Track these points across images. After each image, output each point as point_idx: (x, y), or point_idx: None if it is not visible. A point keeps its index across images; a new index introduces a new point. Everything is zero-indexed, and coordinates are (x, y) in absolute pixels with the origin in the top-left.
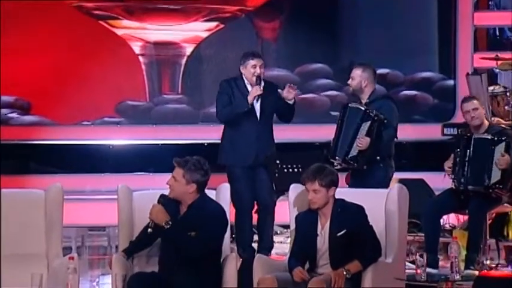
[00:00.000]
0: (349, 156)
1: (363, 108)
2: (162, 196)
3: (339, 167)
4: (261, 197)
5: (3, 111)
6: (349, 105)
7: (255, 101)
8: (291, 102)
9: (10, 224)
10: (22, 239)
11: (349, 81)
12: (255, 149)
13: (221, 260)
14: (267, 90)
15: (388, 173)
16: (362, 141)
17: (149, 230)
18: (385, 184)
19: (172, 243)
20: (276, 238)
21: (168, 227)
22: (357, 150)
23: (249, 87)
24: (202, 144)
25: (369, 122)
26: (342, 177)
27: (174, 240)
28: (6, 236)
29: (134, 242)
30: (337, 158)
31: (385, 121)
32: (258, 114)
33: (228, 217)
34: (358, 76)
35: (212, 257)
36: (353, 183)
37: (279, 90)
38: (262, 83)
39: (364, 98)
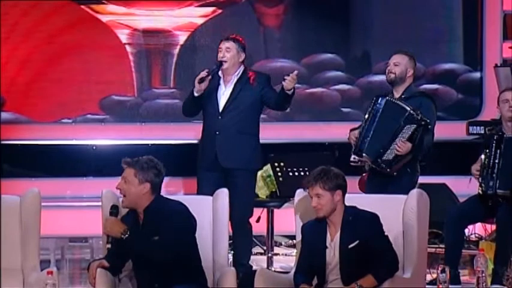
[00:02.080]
0: (383, 158)
1: (408, 109)
2: (114, 207)
3: (358, 164)
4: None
5: None
6: (387, 98)
7: (220, 92)
8: (289, 92)
9: None
10: None
11: (391, 67)
12: (213, 148)
13: (203, 266)
14: (246, 80)
15: (415, 178)
16: (402, 147)
17: (108, 246)
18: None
19: (138, 253)
20: (280, 250)
21: (127, 236)
22: (393, 155)
23: (222, 80)
24: (197, 144)
25: (414, 126)
26: (354, 181)
27: (138, 249)
28: None
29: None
30: (364, 155)
31: (429, 126)
32: (220, 107)
33: (227, 224)
34: (404, 63)
35: (188, 263)
36: (372, 188)
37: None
38: (214, 68)
39: (399, 92)
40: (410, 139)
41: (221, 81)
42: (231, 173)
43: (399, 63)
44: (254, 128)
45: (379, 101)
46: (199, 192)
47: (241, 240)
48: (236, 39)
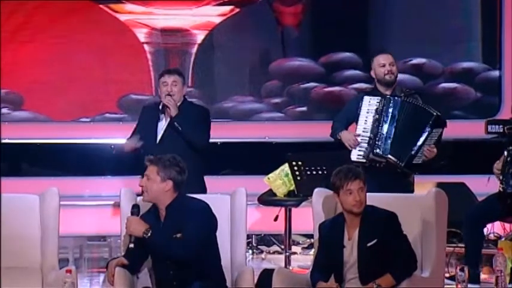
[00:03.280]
0: (414, 162)
1: (434, 113)
2: (135, 206)
3: (366, 164)
4: None
5: None
6: (403, 99)
7: (160, 125)
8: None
9: None
10: (13, 250)
11: (390, 68)
12: None
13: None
14: (185, 111)
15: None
16: (431, 153)
17: (131, 245)
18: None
19: (160, 252)
20: (297, 249)
21: (149, 235)
22: (422, 159)
23: (162, 116)
24: (215, 143)
25: (440, 130)
26: None
27: (160, 248)
28: None
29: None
30: (391, 157)
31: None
32: (157, 138)
33: (245, 223)
34: (395, 64)
35: (208, 261)
36: (372, 185)
37: None
38: (171, 104)
39: (389, 91)
40: (436, 142)
41: (163, 119)
42: None
43: (394, 64)
44: (196, 158)
45: (391, 102)
46: None
47: None
48: (180, 72)
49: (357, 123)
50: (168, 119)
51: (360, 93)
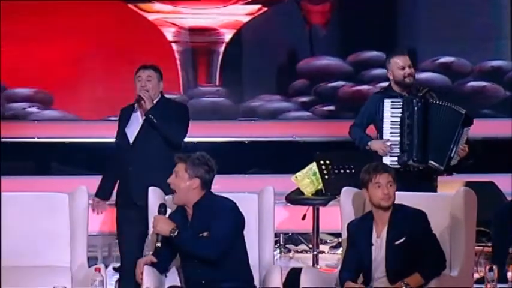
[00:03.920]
0: (451, 164)
1: (463, 112)
2: (162, 205)
3: (399, 167)
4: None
5: (22, 105)
6: (432, 101)
7: (136, 123)
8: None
9: (29, 231)
10: (43, 248)
11: (409, 71)
12: (127, 184)
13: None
14: (162, 108)
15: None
16: (464, 151)
17: (158, 244)
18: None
19: (186, 251)
20: (325, 248)
21: (176, 234)
22: (457, 160)
23: (137, 110)
24: (243, 142)
25: (469, 128)
26: None
27: (187, 247)
28: (25, 244)
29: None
30: (433, 163)
31: None
32: (131, 139)
33: (273, 222)
34: (412, 65)
35: (236, 260)
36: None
37: None
38: (147, 100)
39: (405, 91)
40: (467, 141)
41: (138, 112)
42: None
43: (411, 65)
44: (171, 161)
45: (417, 104)
46: (119, 230)
47: None
48: (156, 68)
49: (377, 126)
50: (144, 116)
51: (375, 94)
